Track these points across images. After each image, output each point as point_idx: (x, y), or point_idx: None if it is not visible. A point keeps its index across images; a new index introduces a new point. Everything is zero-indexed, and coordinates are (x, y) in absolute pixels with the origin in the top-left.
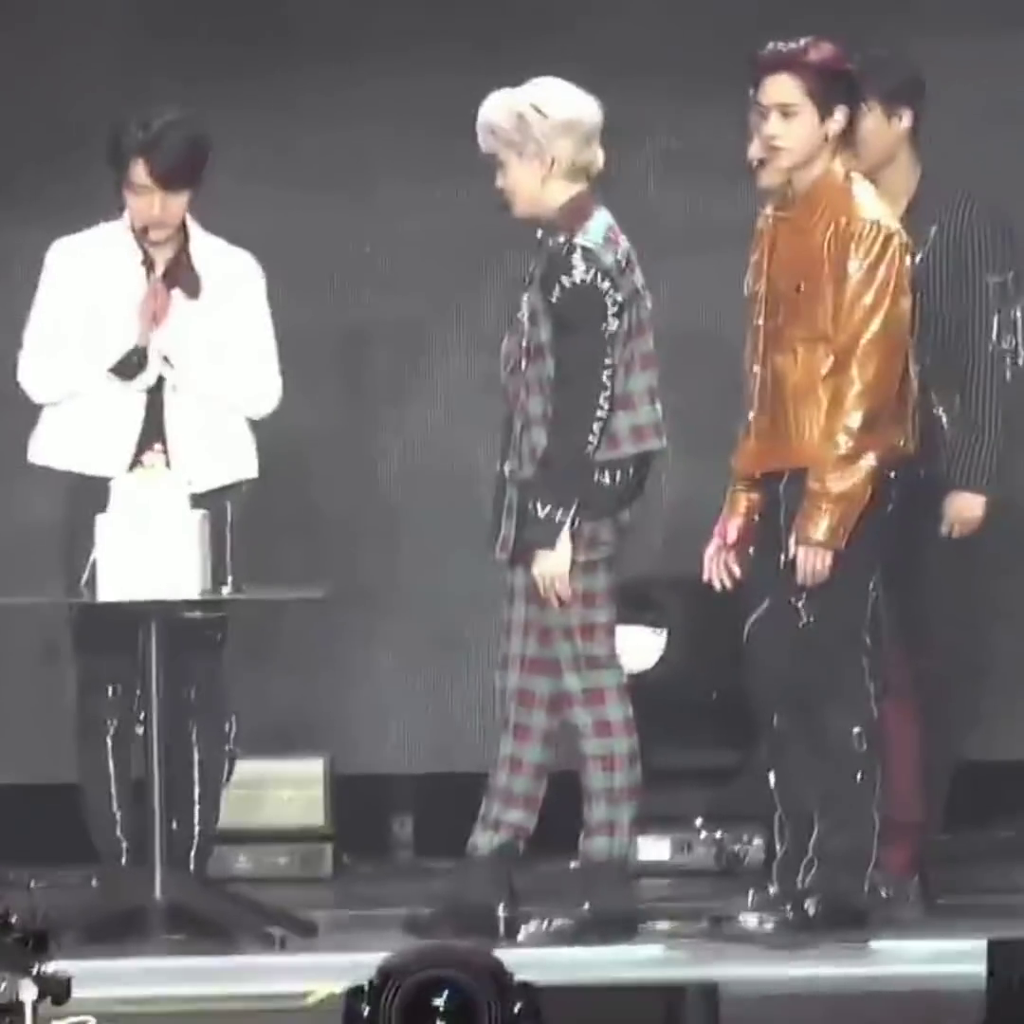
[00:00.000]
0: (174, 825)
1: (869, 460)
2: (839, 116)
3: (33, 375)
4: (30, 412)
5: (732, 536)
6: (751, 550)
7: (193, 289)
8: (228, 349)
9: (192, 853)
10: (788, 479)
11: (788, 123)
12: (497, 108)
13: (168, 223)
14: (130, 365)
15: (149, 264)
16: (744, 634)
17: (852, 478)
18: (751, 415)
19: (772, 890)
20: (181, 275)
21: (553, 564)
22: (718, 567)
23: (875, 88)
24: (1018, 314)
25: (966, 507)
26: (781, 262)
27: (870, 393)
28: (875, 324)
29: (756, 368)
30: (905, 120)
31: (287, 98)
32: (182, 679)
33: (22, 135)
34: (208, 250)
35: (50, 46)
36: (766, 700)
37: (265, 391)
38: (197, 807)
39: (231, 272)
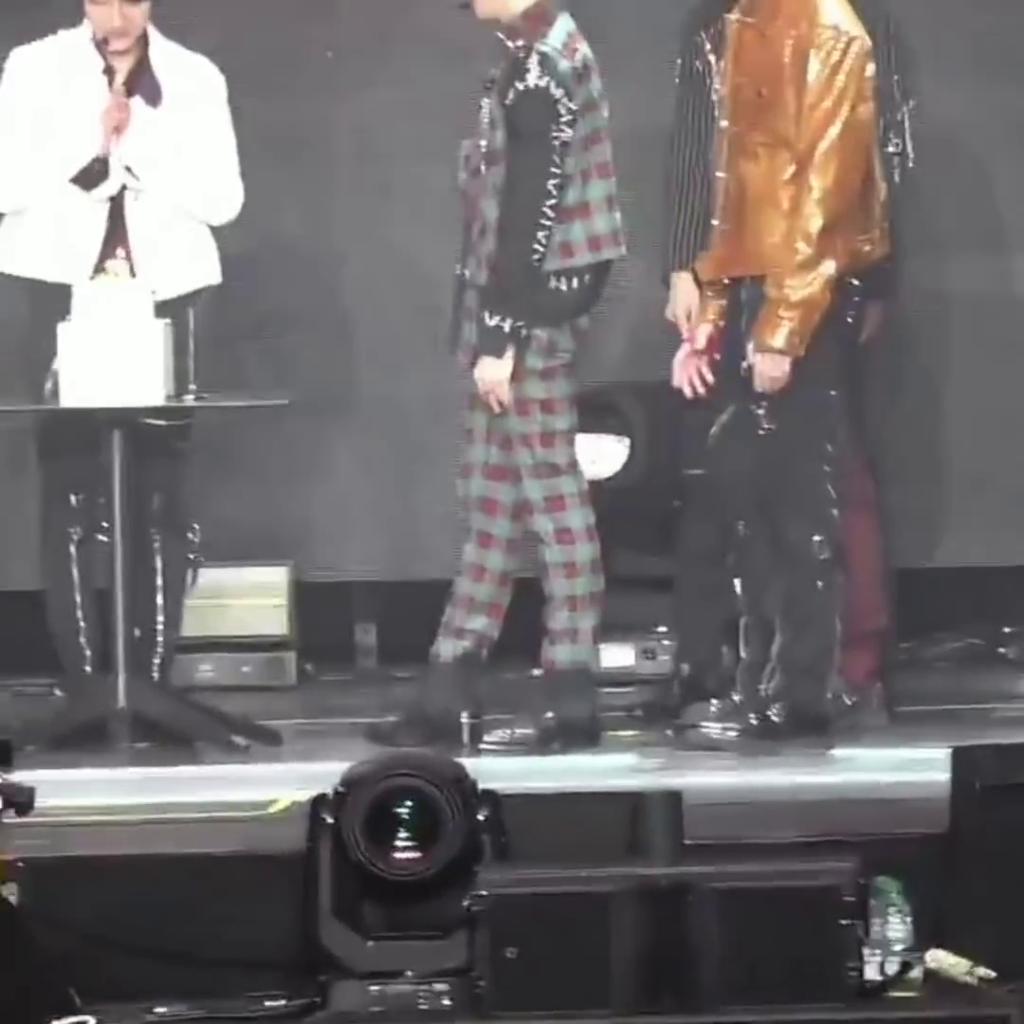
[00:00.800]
0: (137, 634)
1: (828, 267)
2: None
3: None
4: None
5: (701, 342)
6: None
7: (154, 97)
8: (189, 156)
9: (156, 662)
10: (749, 284)
11: None
12: None
13: (129, 32)
14: (92, 174)
15: (110, 72)
16: (708, 440)
17: (811, 285)
18: (715, 220)
19: (735, 698)
20: (142, 83)
21: (494, 370)
22: (689, 373)
23: None
24: (905, 117)
25: (874, 316)
26: (744, 66)
27: (829, 199)
28: (833, 130)
29: (721, 173)
30: None
31: None
32: (145, 488)
33: None
34: (168, 57)
35: None
36: (730, 507)
37: (227, 197)
38: (160, 616)
39: (191, 78)
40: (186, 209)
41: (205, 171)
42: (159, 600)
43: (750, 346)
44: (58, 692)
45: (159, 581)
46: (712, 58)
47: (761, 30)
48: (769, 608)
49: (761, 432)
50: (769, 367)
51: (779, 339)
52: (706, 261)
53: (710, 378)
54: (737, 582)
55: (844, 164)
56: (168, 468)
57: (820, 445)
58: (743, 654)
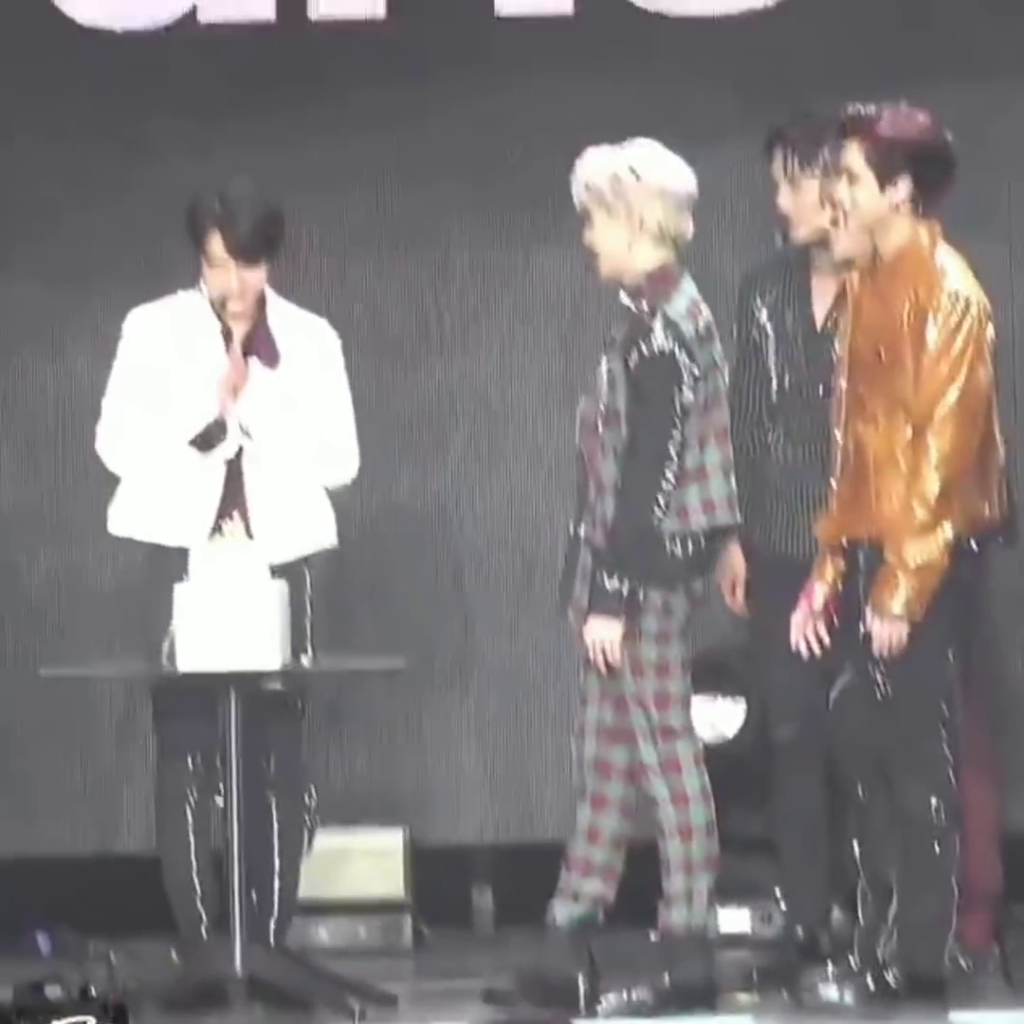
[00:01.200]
0: (253, 897)
1: (947, 530)
2: (902, 186)
3: (110, 444)
4: (109, 482)
5: (818, 603)
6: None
7: (271, 359)
8: (306, 418)
9: (272, 925)
10: (868, 548)
11: (852, 190)
12: (593, 165)
13: (245, 295)
14: (210, 437)
15: (227, 334)
16: (828, 703)
17: (930, 550)
18: (834, 482)
19: (852, 961)
20: (259, 345)
21: (606, 631)
22: (806, 633)
23: (820, 154)
24: None
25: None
26: (864, 327)
27: (947, 463)
28: (952, 393)
29: (838, 434)
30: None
31: (354, 165)
32: (261, 749)
33: (99, 204)
34: (285, 318)
35: (127, 114)
36: (850, 770)
37: (344, 460)
38: (276, 879)
39: (309, 340)
40: (303, 471)
41: (322, 433)
42: (275, 863)
43: (868, 609)
44: (174, 955)
45: (275, 843)
46: (768, 325)
47: (881, 291)
48: (886, 870)
49: (879, 696)
50: (887, 631)
51: (897, 604)
52: (825, 523)
53: (827, 639)
54: (855, 844)
55: (961, 428)
56: (285, 730)
57: (936, 707)
58: (860, 917)
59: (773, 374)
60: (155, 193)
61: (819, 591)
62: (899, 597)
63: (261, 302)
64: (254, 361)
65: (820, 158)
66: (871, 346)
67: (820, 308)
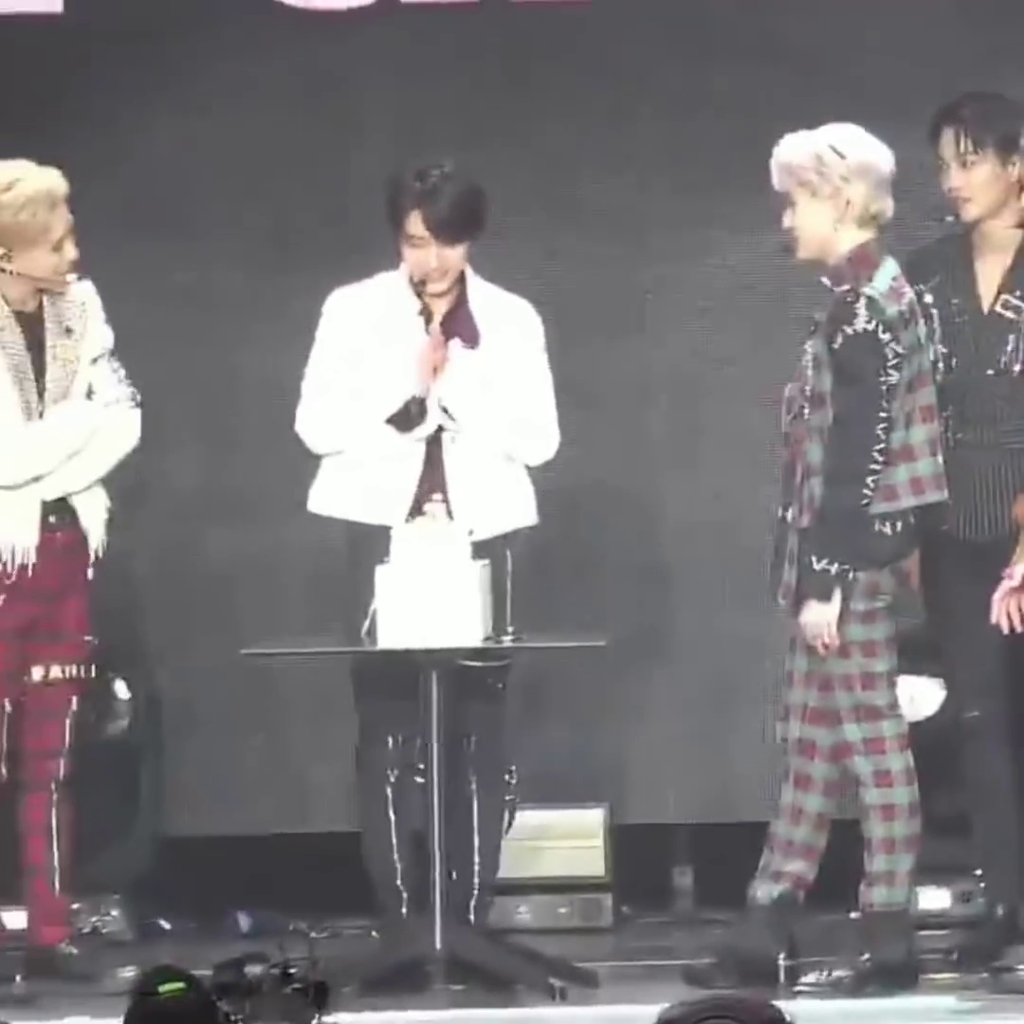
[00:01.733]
0: (453, 876)
1: None
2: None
3: (311, 425)
4: (309, 462)
5: (1018, 579)
6: None
7: (472, 339)
8: (506, 397)
9: (472, 904)
10: None
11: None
12: (795, 147)
13: (445, 275)
14: (409, 416)
15: (427, 314)
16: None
17: None
18: None
19: None
20: (459, 325)
21: (822, 614)
22: (1008, 608)
23: (991, 134)
24: None
25: None
26: None
27: None
28: None
29: None
30: (1019, 168)
31: (562, 148)
32: (463, 729)
33: (300, 183)
34: (486, 299)
35: (326, 94)
36: None
37: (544, 438)
38: (476, 857)
39: (509, 321)
40: (503, 450)
41: (522, 412)
42: (475, 842)
43: None
44: (375, 933)
45: (476, 823)
46: (934, 309)
47: None
48: None
49: None
50: None
51: None
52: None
53: None
54: None
55: None
56: (486, 709)
57: None
58: None
59: (941, 358)
60: (356, 172)
61: (1019, 567)
62: None
63: (462, 282)
64: (455, 341)
65: (990, 137)
66: None
67: (987, 289)
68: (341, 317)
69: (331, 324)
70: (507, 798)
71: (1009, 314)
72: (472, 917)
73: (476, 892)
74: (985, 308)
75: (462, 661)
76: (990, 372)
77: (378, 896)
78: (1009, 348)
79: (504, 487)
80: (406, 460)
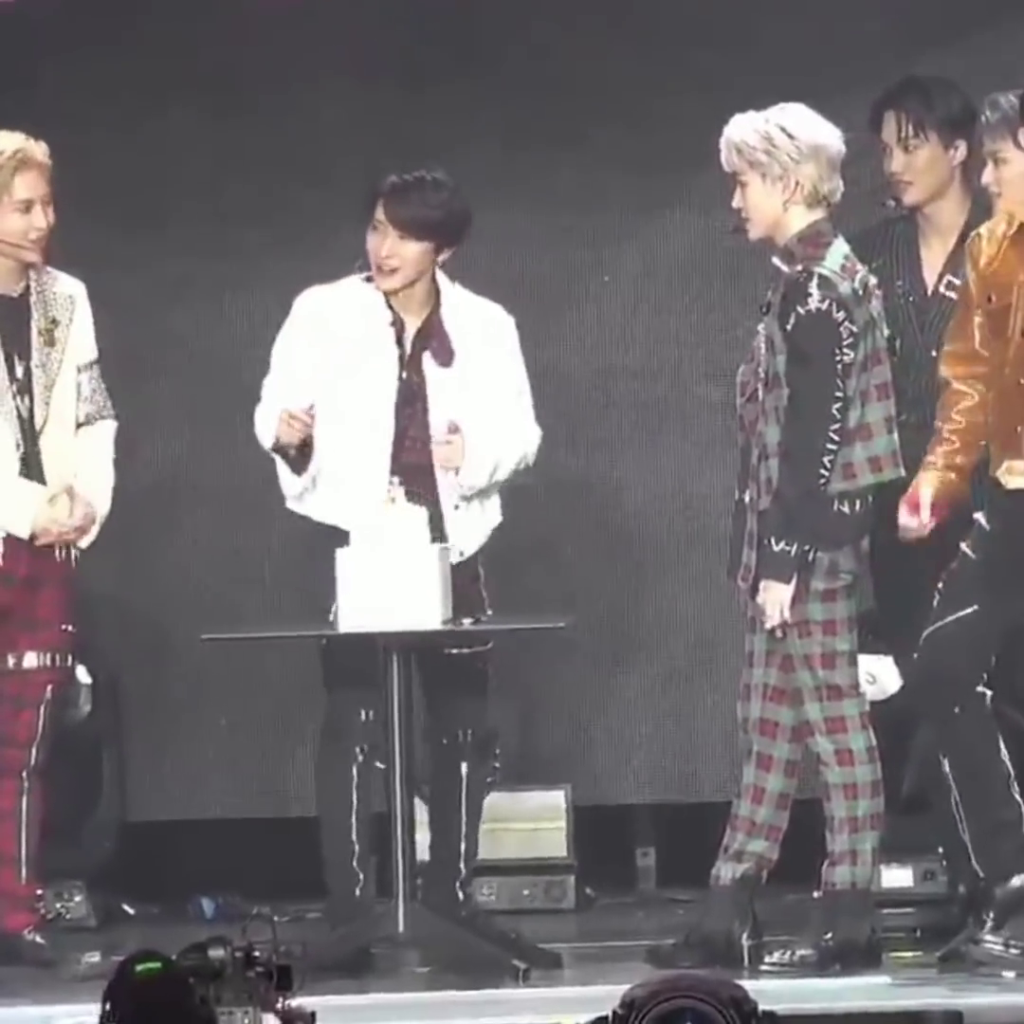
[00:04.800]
0: (434, 857)
1: None
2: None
3: (267, 428)
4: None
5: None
6: None
7: (446, 358)
8: (484, 412)
9: (458, 884)
10: None
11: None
12: (745, 127)
13: (395, 272)
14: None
15: (399, 325)
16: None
17: None
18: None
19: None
20: (433, 341)
21: (778, 594)
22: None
23: (933, 118)
24: None
25: None
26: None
27: None
28: None
29: None
30: (960, 152)
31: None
32: (451, 713)
33: (269, 183)
34: (459, 308)
35: (311, 99)
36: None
37: (524, 446)
38: (463, 841)
39: (483, 329)
40: (485, 459)
41: (501, 430)
42: (463, 825)
43: None
44: (328, 915)
45: (463, 805)
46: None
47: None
48: None
49: None
50: None
51: None
52: None
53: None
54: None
55: None
56: (472, 693)
57: None
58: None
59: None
60: (328, 173)
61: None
62: None
63: (435, 293)
64: (429, 361)
65: (932, 121)
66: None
67: (931, 271)
68: (309, 321)
69: (299, 326)
70: (489, 780)
71: (952, 295)
72: (460, 896)
73: (462, 872)
74: (929, 290)
75: (447, 649)
76: (934, 353)
77: (330, 876)
78: None
79: (484, 500)
80: (374, 464)
